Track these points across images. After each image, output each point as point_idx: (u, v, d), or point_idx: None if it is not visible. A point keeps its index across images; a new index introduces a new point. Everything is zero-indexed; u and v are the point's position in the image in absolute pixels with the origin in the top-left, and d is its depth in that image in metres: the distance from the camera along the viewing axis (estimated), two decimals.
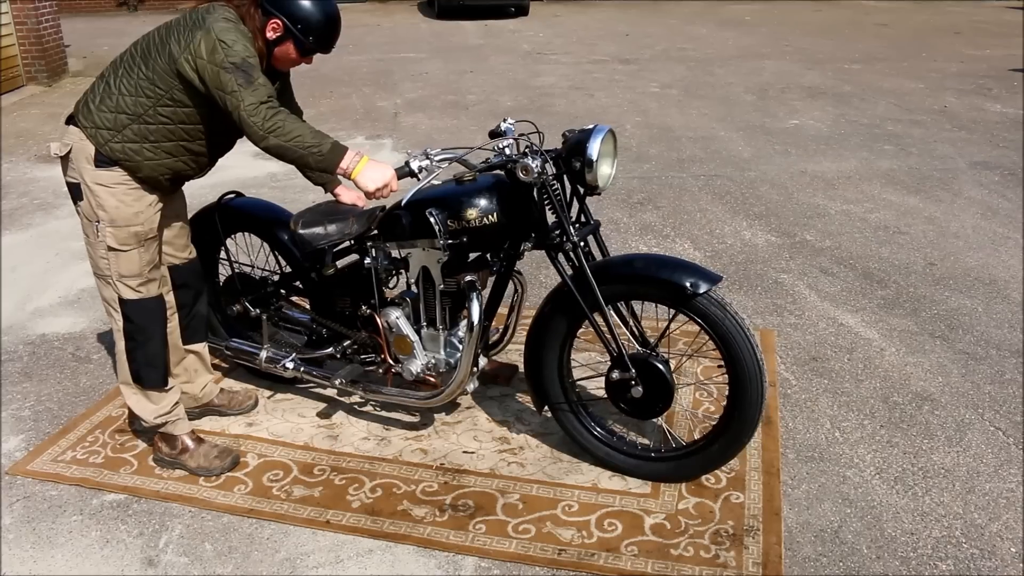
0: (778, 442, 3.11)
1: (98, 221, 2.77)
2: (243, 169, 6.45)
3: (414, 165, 2.79)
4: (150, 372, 2.94)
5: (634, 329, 2.96)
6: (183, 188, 3.06)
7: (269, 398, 3.50)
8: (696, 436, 3.06)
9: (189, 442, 3.04)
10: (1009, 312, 4.14)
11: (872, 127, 7.93)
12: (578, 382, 3.11)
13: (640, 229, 5.37)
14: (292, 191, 5.83)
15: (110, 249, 2.79)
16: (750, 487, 2.86)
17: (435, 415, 3.34)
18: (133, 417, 3.16)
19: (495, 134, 2.88)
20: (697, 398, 3.41)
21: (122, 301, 2.86)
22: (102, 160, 2.71)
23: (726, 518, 2.71)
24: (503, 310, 3.16)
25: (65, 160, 2.79)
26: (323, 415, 3.37)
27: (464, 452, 3.10)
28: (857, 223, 5.41)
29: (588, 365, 3.32)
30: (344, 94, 9.93)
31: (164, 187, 2.85)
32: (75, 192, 2.80)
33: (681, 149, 7.29)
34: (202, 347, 3.26)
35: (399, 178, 2.80)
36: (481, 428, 3.25)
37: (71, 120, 2.78)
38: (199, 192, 3.55)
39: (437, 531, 2.69)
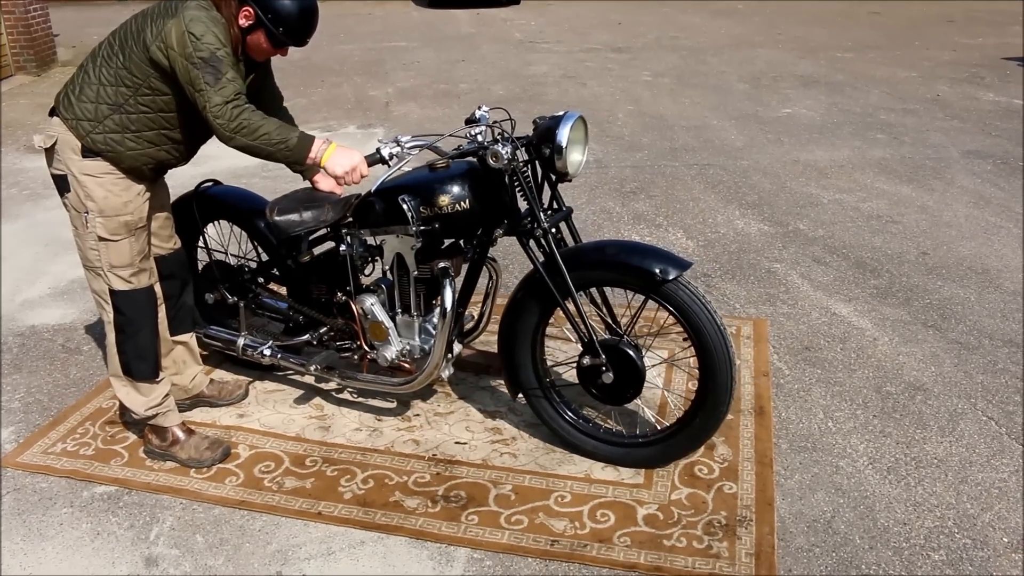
0: (771, 432, 3.10)
1: (87, 212, 2.74)
2: (234, 159, 6.37)
3: (384, 152, 2.79)
4: (140, 364, 2.92)
5: (606, 316, 2.97)
6: (166, 179, 3.04)
7: (259, 388, 3.48)
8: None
9: (180, 434, 3.03)
10: (1001, 301, 4.14)
11: (865, 116, 7.92)
12: (553, 371, 3.10)
13: (633, 218, 5.35)
14: (283, 180, 5.79)
15: (100, 239, 2.76)
16: (743, 477, 2.85)
17: (427, 405, 3.33)
18: (124, 409, 3.14)
19: (471, 121, 2.89)
20: (691, 387, 3.40)
21: (113, 293, 2.84)
22: (88, 151, 2.69)
23: (719, 508, 2.71)
24: (479, 297, 3.16)
25: (50, 152, 2.77)
26: (314, 406, 3.35)
27: (456, 443, 3.09)
28: (850, 212, 5.41)
29: (562, 363, 3.30)
30: (335, 83, 9.88)
31: (148, 176, 2.83)
32: (61, 184, 2.78)
33: (674, 138, 7.28)
34: (190, 337, 3.25)
35: (369, 164, 2.80)
36: (473, 419, 3.24)
37: (54, 112, 2.75)
38: (191, 182, 3.52)
39: (429, 522, 2.68)
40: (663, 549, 2.54)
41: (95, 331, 4.01)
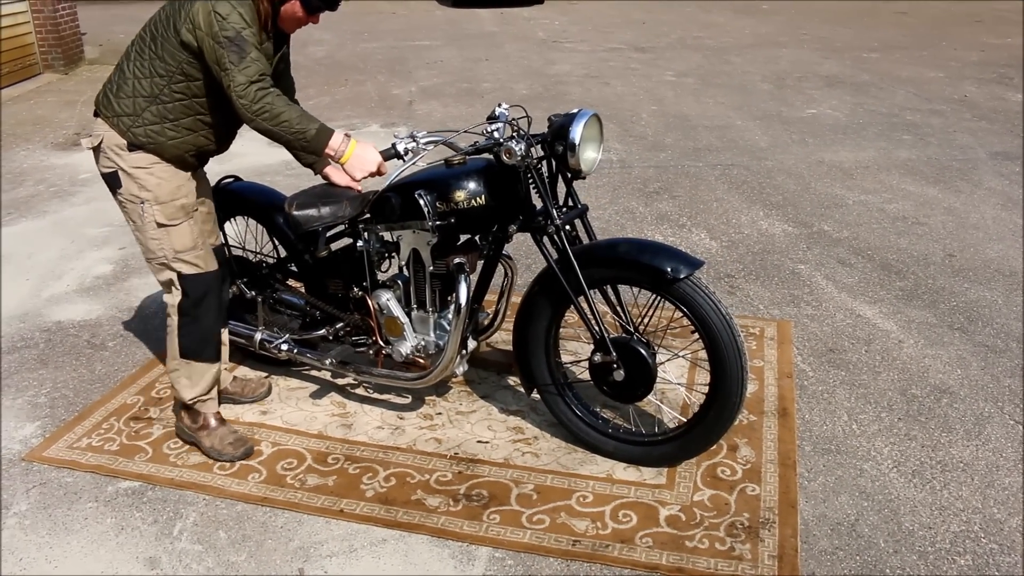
0: (794, 434, 3.08)
1: (143, 202, 2.79)
2: (258, 156, 6.45)
3: (400, 147, 2.82)
4: (204, 347, 2.98)
5: (621, 314, 2.96)
6: (206, 174, 3.07)
7: (282, 386, 3.50)
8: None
9: (212, 420, 3.06)
10: None
11: (890, 116, 7.85)
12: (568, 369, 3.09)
13: (656, 218, 5.33)
14: (307, 178, 5.82)
15: (160, 226, 2.81)
16: (766, 479, 2.84)
17: (449, 404, 3.33)
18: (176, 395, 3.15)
19: (492, 118, 2.91)
20: None
21: (182, 277, 2.89)
22: (132, 145, 2.75)
23: (742, 510, 2.70)
24: (495, 295, 3.18)
25: (97, 151, 2.83)
26: (337, 404, 3.36)
27: (478, 442, 3.10)
28: (875, 213, 5.36)
29: (578, 362, 3.30)
30: (359, 81, 9.90)
31: (191, 164, 2.89)
32: (112, 181, 2.83)
33: (697, 138, 7.24)
34: (225, 333, 3.26)
35: (385, 159, 2.84)
36: (495, 418, 3.24)
37: (97, 113, 2.82)
38: (212, 179, 3.54)
39: (451, 521, 2.69)
40: (685, 550, 2.53)
41: (120, 327, 4.05)
